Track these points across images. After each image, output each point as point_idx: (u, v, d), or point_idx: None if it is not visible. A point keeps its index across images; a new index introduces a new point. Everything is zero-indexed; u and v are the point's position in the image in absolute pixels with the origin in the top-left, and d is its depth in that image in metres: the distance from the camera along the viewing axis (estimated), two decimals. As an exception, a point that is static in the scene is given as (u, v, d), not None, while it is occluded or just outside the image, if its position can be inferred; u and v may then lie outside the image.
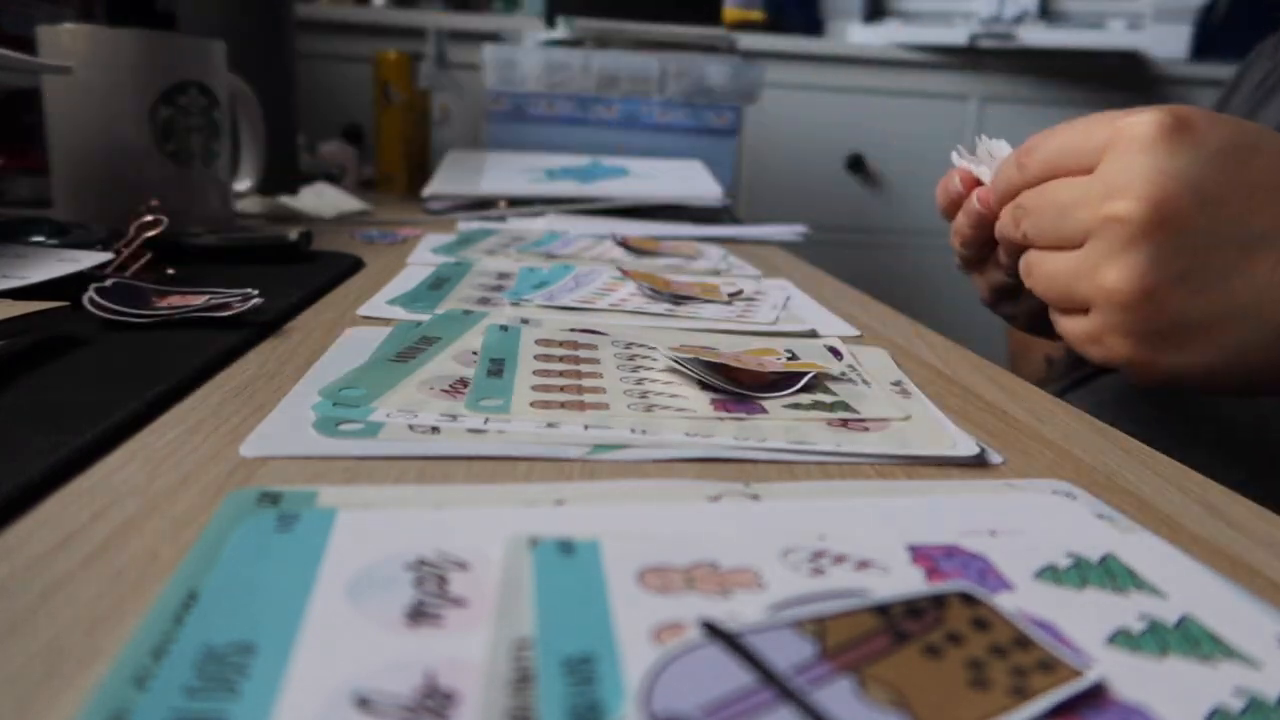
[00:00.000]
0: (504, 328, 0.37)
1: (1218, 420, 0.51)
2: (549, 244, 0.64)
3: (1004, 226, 0.38)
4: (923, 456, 0.27)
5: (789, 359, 0.35)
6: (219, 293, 0.38)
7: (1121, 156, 0.32)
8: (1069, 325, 0.35)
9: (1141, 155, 0.31)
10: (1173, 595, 0.19)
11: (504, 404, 0.28)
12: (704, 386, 0.31)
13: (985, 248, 0.44)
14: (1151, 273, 0.31)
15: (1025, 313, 0.48)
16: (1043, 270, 0.36)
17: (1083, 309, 0.34)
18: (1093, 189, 0.33)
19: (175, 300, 0.37)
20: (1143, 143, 0.31)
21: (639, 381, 0.32)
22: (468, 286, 0.48)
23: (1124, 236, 0.32)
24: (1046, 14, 1.64)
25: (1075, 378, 0.65)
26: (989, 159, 0.43)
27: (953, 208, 0.45)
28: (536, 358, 0.34)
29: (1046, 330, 0.46)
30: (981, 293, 0.49)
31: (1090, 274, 0.33)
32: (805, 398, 0.31)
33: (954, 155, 0.45)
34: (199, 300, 0.37)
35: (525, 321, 0.39)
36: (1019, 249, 0.38)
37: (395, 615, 0.16)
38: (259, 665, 0.15)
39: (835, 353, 0.38)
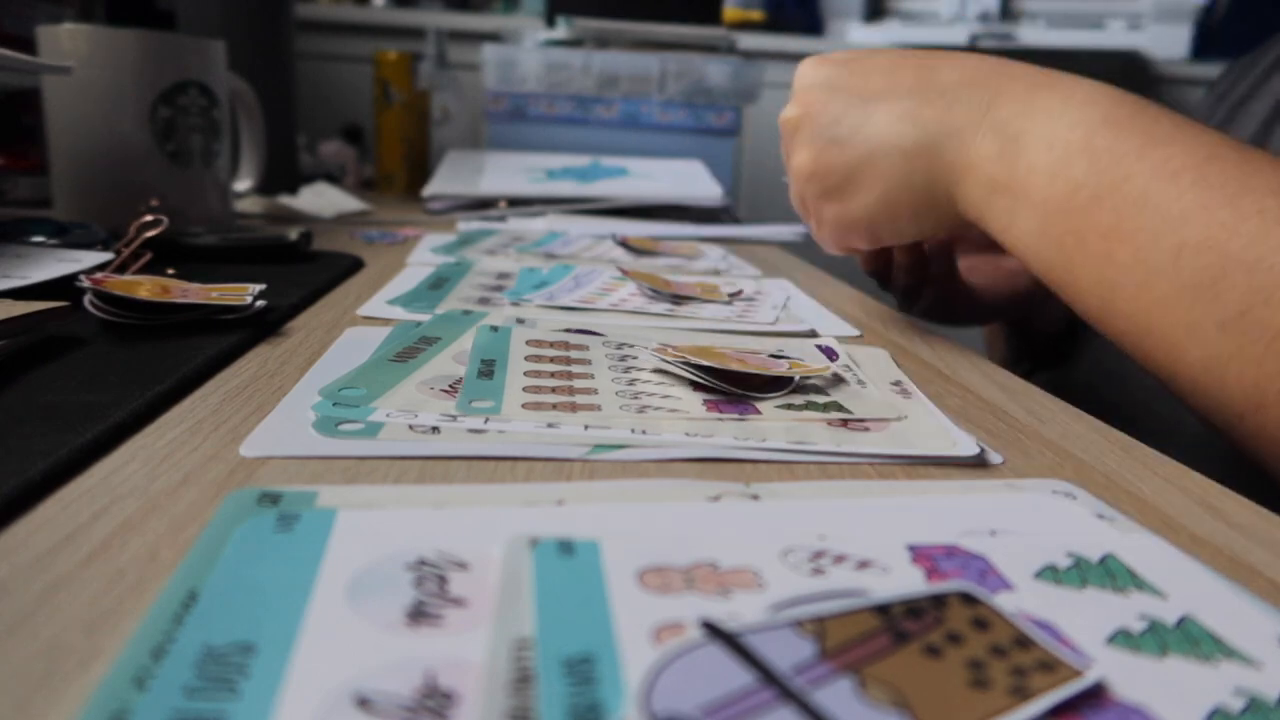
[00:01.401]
0: (494, 328, 0.37)
1: (1158, 413, 0.52)
2: (549, 244, 0.64)
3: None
4: (923, 456, 0.27)
5: (773, 357, 0.35)
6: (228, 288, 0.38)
7: (795, 81, 0.45)
8: (821, 239, 0.47)
9: (800, 76, 0.45)
10: (1173, 595, 0.19)
11: (495, 405, 0.28)
12: (696, 387, 0.31)
13: (885, 261, 0.55)
14: (810, 146, 0.43)
15: (931, 303, 0.58)
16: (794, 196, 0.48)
17: (800, 198, 0.46)
18: (783, 113, 0.46)
19: (191, 294, 0.36)
20: (802, 69, 0.45)
21: (631, 383, 0.32)
22: (468, 286, 0.48)
23: (790, 132, 0.45)
24: (1007, 14, 1.63)
25: (1023, 370, 0.68)
26: None
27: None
28: (527, 359, 0.34)
29: (950, 316, 0.60)
30: (929, 316, 0.59)
31: (789, 162, 0.46)
32: (798, 398, 0.31)
33: None
34: (211, 294, 0.36)
35: (521, 321, 0.39)
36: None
37: (395, 615, 0.16)
38: (259, 665, 0.15)
39: (830, 353, 0.38)
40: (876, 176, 0.41)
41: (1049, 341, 0.68)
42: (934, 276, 0.55)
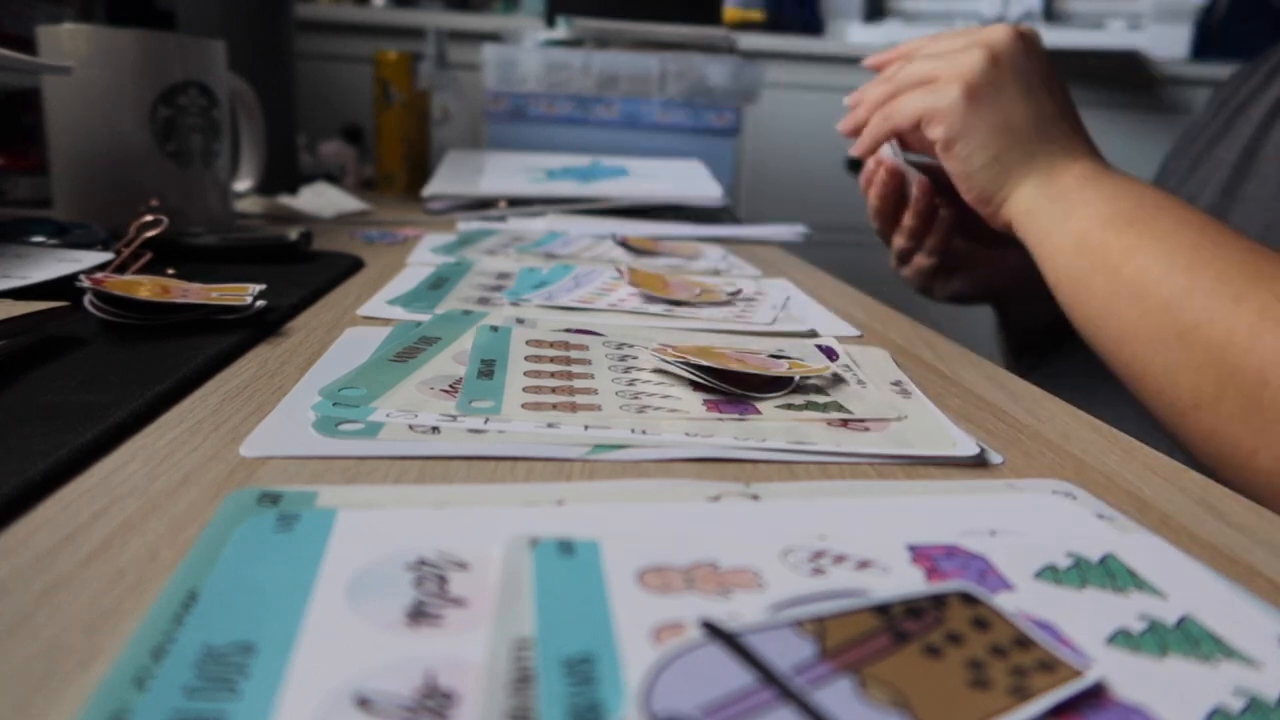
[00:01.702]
0: (494, 328, 0.37)
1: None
2: (549, 244, 0.64)
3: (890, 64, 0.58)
4: (923, 456, 0.27)
5: (773, 357, 0.35)
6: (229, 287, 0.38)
7: (986, 33, 0.52)
8: (912, 100, 0.53)
9: (998, 33, 0.51)
10: (1173, 595, 0.19)
11: (495, 405, 0.28)
12: (696, 387, 0.31)
13: (890, 217, 0.63)
14: (984, 74, 0.50)
15: (914, 272, 0.66)
16: (914, 67, 0.54)
17: (930, 81, 0.52)
18: (965, 36, 0.53)
19: (191, 294, 0.36)
20: (1003, 30, 0.52)
21: (631, 383, 0.32)
22: (467, 286, 0.48)
23: (977, 50, 0.51)
24: (1051, 15, 1.64)
25: (1026, 364, 0.74)
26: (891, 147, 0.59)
27: (886, 202, 0.63)
28: (527, 358, 0.34)
29: (933, 290, 0.69)
30: (911, 280, 0.68)
31: (957, 54, 0.51)
32: (798, 398, 0.31)
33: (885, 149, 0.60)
34: (211, 294, 0.36)
35: (521, 321, 0.39)
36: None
37: (395, 615, 0.16)
38: (259, 665, 0.15)
39: (830, 353, 0.38)
40: (1003, 115, 0.50)
41: (1041, 331, 0.71)
42: (932, 247, 0.63)
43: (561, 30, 0.99)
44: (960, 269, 0.67)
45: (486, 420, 0.27)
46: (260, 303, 0.37)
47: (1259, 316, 0.37)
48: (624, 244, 0.64)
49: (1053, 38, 1.56)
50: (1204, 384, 0.38)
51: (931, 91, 0.52)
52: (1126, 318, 0.42)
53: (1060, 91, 0.52)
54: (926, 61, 0.53)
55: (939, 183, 0.59)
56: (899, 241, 0.65)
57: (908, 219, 0.62)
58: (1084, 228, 0.46)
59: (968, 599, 0.17)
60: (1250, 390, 0.36)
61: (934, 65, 0.52)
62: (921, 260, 0.65)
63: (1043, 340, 0.72)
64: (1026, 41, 0.52)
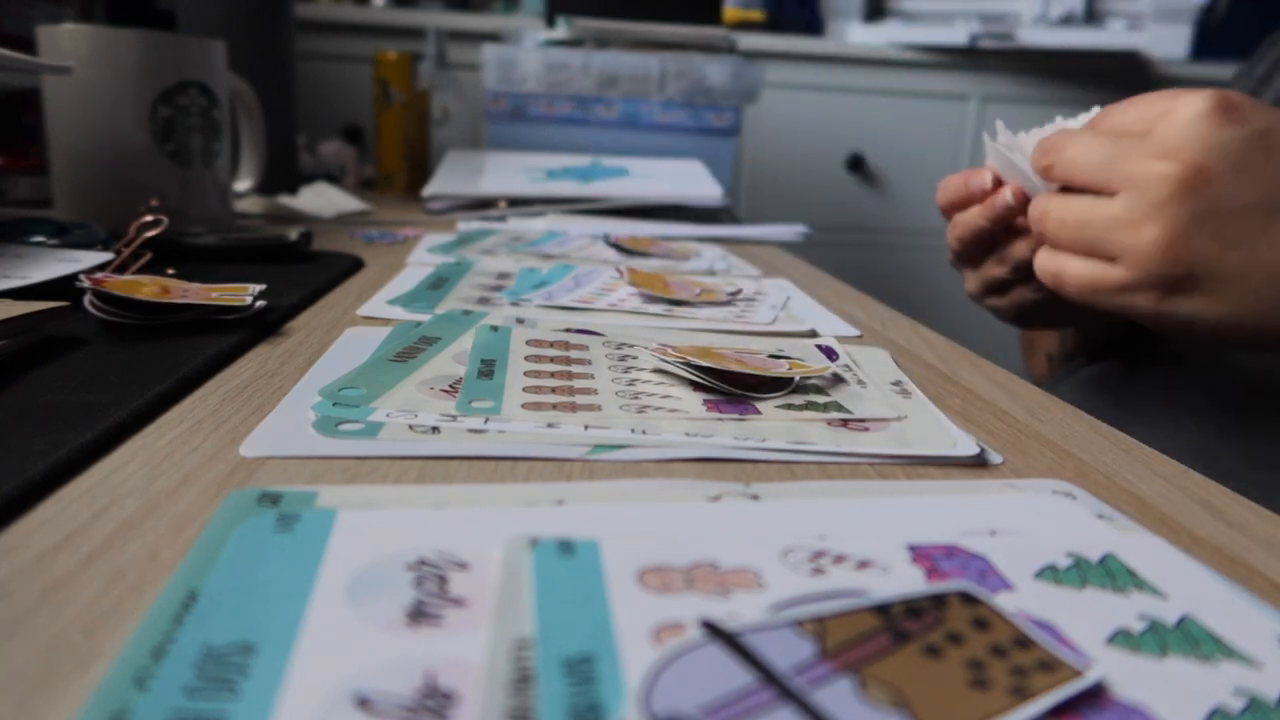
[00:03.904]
0: (494, 328, 0.37)
1: (1192, 409, 0.52)
2: (544, 244, 0.64)
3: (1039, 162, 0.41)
4: (923, 456, 0.27)
5: (773, 357, 0.35)
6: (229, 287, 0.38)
7: (1174, 125, 0.36)
8: (1083, 270, 0.38)
9: (1190, 126, 0.36)
10: (1173, 595, 0.19)
11: (495, 405, 0.28)
12: (696, 387, 0.31)
13: (991, 243, 0.48)
14: (1186, 228, 0.35)
15: (1012, 305, 0.52)
16: (1069, 212, 0.39)
17: (1108, 258, 0.38)
18: (1143, 146, 0.37)
19: (191, 294, 0.36)
20: (1193, 115, 0.36)
21: (631, 383, 0.32)
22: (467, 286, 0.48)
23: (1164, 193, 0.35)
24: (1092, 16, 1.63)
25: (1068, 370, 0.66)
26: (1020, 151, 0.45)
27: (963, 202, 0.48)
28: (527, 358, 0.34)
29: (1030, 321, 0.53)
30: (970, 286, 0.53)
31: (1128, 226, 0.36)
32: (798, 398, 0.31)
33: (986, 138, 0.47)
34: (211, 294, 0.36)
35: (521, 321, 0.39)
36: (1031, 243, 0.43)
37: (395, 615, 0.16)
38: (259, 665, 0.15)
39: (830, 353, 0.38)
40: (1249, 290, 0.35)
41: (1111, 337, 0.63)
42: (1023, 282, 0.50)
43: (561, 30, 0.99)
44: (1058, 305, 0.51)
45: (486, 420, 0.27)
46: (260, 303, 0.37)
47: None
48: (615, 245, 0.63)
49: (1052, 38, 1.56)
50: None
51: (1101, 268, 0.38)
52: None
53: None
54: (1084, 206, 0.38)
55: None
56: (997, 271, 0.50)
57: (1021, 247, 0.47)
58: None
59: (968, 599, 0.17)
60: None
61: (1100, 225, 0.37)
62: (1026, 293, 0.50)
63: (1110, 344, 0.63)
64: (1233, 120, 0.35)
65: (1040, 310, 0.51)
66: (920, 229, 1.64)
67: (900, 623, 0.16)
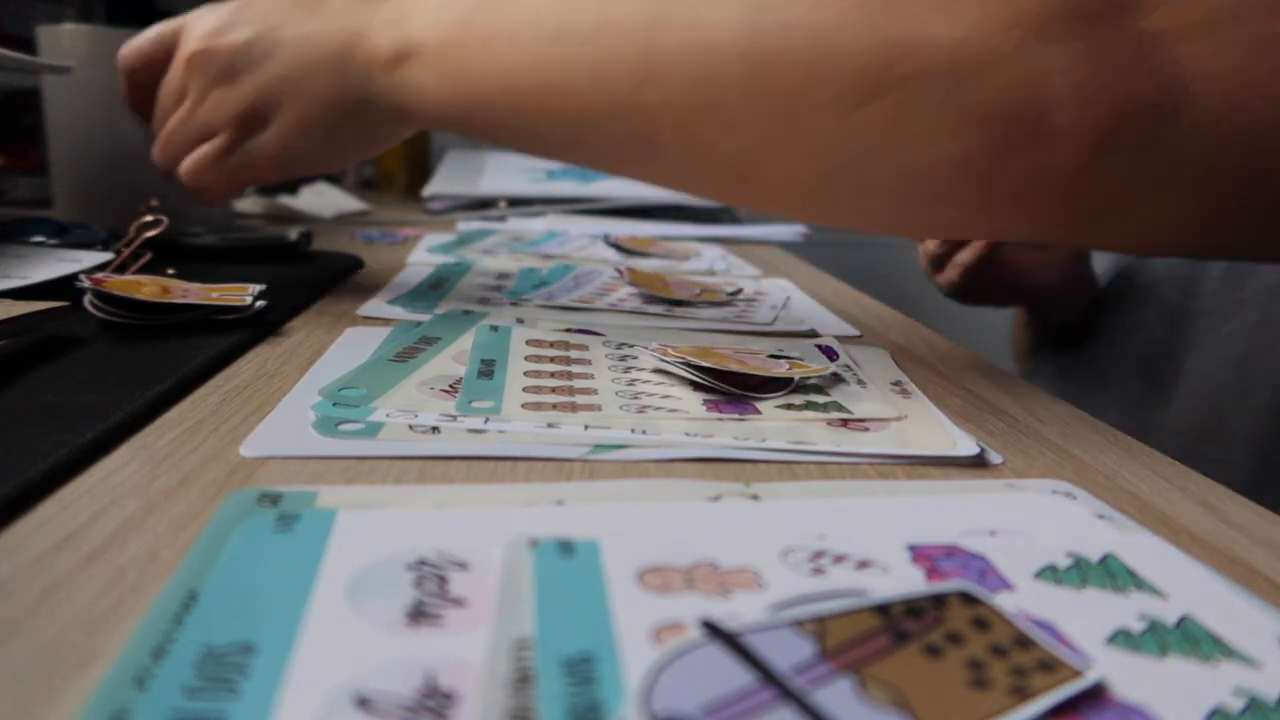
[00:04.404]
0: (494, 328, 0.37)
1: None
2: (544, 244, 0.64)
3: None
4: (923, 456, 0.27)
5: (773, 358, 0.35)
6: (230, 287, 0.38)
7: (187, 43, 0.43)
8: (203, 150, 0.44)
9: (190, 35, 0.43)
10: (1173, 595, 0.19)
11: (495, 405, 0.28)
12: (696, 387, 0.31)
13: None
14: (216, 82, 0.42)
15: (946, 281, 0.65)
16: (168, 132, 0.45)
17: (208, 137, 0.44)
18: (174, 63, 0.44)
19: (191, 294, 0.36)
20: (190, 27, 0.43)
21: (631, 383, 0.32)
22: (467, 286, 0.48)
23: (184, 80, 0.43)
24: None
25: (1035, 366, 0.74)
26: None
27: None
28: (527, 358, 0.34)
29: (971, 295, 0.66)
30: (945, 287, 0.66)
31: (175, 113, 0.44)
32: (798, 398, 0.31)
33: None
34: (211, 294, 0.36)
35: (521, 321, 0.39)
36: None
37: (395, 615, 0.16)
38: (259, 665, 0.15)
39: (829, 352, 0.38)
40: (293, 98, 0.41)
41: (1065, 327, 0.71)
42: (972, 262, 0.62)
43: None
44: (1001, 272, 0.65)
45: (486, 420, 0.27)
46: (260, 303, 0.37)
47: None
48: (615, 245, 0.63)
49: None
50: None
51: (201, 169, 0.44)
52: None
53: None
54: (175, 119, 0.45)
55: None
56: (931, 246, 0.63)
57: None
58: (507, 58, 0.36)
59: (968, 599, 0.17)
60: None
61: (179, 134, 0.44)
62: (957, 273, 0.63)
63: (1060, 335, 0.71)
64: (223, 4, 0.43)
65: (981, 286, 0.63)
66: (920, 229, 1.64)
67: (900, 623, 0.16)
